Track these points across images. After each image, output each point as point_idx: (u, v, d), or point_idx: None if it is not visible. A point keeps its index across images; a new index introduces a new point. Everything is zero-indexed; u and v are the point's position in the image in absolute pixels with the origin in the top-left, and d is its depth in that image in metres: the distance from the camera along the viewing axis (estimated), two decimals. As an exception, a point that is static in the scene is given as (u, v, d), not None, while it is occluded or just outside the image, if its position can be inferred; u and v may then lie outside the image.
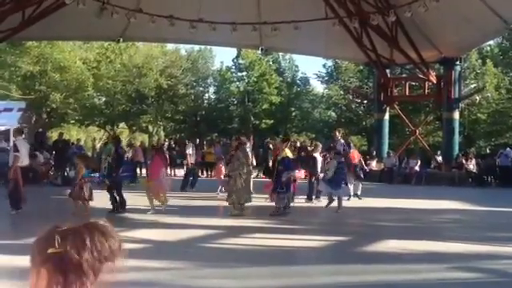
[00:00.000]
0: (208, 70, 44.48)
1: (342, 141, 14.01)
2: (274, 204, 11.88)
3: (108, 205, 11.48)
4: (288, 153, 12.01)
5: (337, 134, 14.56)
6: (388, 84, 25.39)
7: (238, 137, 14.06)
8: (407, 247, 8.24)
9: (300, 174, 13.43)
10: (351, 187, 14.03)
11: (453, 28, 20.86)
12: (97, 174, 12.81)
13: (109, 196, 11.59)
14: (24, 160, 11.25)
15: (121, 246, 1.45)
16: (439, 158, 25.25)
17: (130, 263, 5.71)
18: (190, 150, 18.17)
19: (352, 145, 15.09)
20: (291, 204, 12.15)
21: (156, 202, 11.64)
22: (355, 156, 14.58)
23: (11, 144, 24.14)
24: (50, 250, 1.30)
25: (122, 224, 9.95)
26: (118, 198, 11.57)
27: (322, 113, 43.53)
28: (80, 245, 1.32)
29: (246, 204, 11.58)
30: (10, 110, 31.75)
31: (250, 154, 12.52)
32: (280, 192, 11.56)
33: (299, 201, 13.69)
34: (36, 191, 13.02)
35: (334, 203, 12.38)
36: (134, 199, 12.46)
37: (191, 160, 18.00)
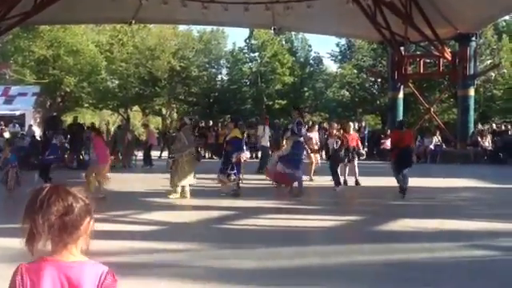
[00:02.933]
0: (220, 51, 44.34)
1: (298, 120, 13.07)
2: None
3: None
4: (237, 133, 11.88)
5: (295, 113, 13.68)
6: (402, 62, 25.10)
7: (180, 117, 13.67)
8: (422, 226, 8.23)
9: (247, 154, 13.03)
10: (346, 170, 13.62)
11: (468, 3, 20.52)
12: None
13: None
14: None
15: (78, 205, 1.77)
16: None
17: (149, 245, 5.85)
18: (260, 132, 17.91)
19: (350, 127, 13.96)
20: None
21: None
22: (352, 138, 13.68)
23: (26, 129, 24.43)
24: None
25: (138, 206, 10.08)
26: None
27: (336, 92, 43.28)
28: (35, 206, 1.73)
29: (190, 184, 11.27)
30: (25, 94, 32.02)
31: (192, 136, 12.21)
32: (230, 173, 11.43)
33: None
34: (52, 174, 13.14)
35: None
36: (152, 181, 12.53)
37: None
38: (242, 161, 11.65)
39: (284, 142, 12.85)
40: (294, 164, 11.69)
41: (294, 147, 11.87)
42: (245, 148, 12.14)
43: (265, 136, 17.35)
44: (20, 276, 1.75)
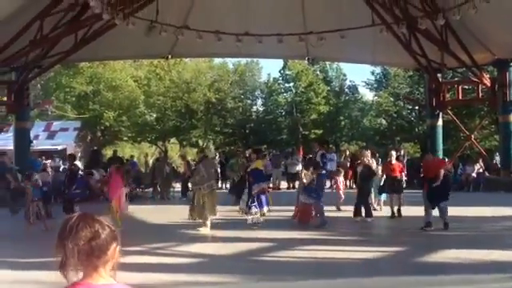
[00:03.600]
0: (255, 83, 44.75)
1: (321, 152, 12.88)
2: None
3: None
4: (259, 164, 11.73)
5: (316, 145, 13.43)
6: (440, 89, 24.76)
7: (202, 149, 13.46)
8: (467, 257, 7.95)
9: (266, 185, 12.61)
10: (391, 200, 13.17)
11: (505, 28, 20.17)
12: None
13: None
14: None
15: (105, 232, 1.95)
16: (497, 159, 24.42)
17: (187, 278, 5.78)
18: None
19: (393, 156, 13.52)
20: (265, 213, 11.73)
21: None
22: (395, 168, 13.29)
23: (67, 163, 24.90)
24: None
25: (175, 239, 10.09)
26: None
27: (372, 120, 42.93)
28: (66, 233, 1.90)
29: (212, 218, 11.05)
30: (66, 129, 32.87)
31: (213, 168, 12.01)
32: (251, 206, 11.26)
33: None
34: (93, 207, 13.32)
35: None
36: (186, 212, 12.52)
37: None
38: (265, 191, 11.51)
39: (303, 174, 12.58)
40: (317, 195, 11.56)
41: (318, 179, 11.74)
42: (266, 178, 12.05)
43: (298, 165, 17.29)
44: None
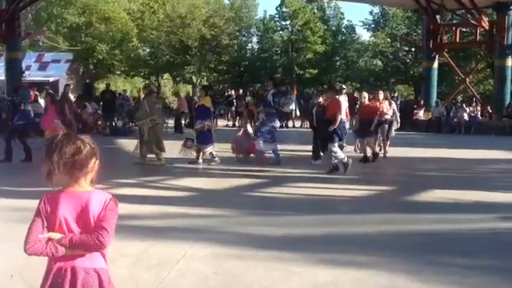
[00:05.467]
0: (251, 20, 43.93)
1: (273, 91, 11.57)
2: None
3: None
4: (206, 101, 11.57)
5: (269, 83, 12.22)
6: (438, 31, 24.50)
7: (147, 84, 13.23)
8: (455, 197, 8.10)
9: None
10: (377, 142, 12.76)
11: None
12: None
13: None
14: None
15: (86, 148, 2.26)
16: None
17: (178, 210, 5.88)
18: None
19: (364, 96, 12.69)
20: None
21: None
22: (369, 110, 12.39)
23: (60, 95, 24.76)
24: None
25: (166, 173, 10.19)
26: (22, 145, 11.25)
27: (368, 62, 42.60)
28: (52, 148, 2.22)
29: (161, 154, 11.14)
30: (58, 61, 32.44)
31: (158, 104, 11.90)
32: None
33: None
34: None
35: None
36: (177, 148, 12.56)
37: None
38: (206, 129, 11.25)
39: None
40: (271, 137, 11.32)
41: (268, 119, 11.33)
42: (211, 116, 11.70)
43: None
44: (43, 204, 2.27)
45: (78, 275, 2.25)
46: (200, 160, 11.31)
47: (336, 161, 10.18)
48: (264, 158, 11.43)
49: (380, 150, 13.07)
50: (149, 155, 11.21)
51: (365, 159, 12.03)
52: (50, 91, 14.35)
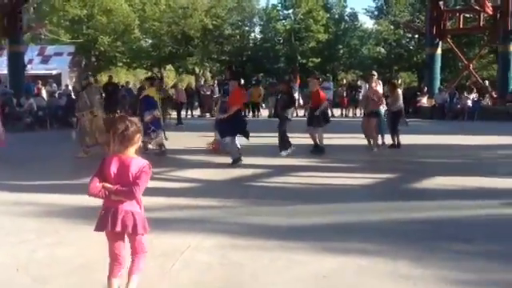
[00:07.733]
0: (253, 9, 43.76)
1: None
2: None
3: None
4: (151, 92, 11.49)
5: (227, 73, 11.97)
6: (441, 17, 24.36)
7: (86, 76, 13.12)
8: (459, 183, 8.09)
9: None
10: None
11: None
12: None
13: None
14: None
15: (133, 126, 3.34)
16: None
17: (182, 201, 5.89)
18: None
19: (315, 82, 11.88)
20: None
21: None
22: (315, 98, 11.70)
23: (63, 88, 24.85)
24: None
25: (171, 164, 10.20)
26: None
27: (371, 49, 42.41)
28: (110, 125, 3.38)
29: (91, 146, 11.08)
30: (61, 54, 32.44)
31: (97, 95, 11.85)
32: (148, 132, 10.83)
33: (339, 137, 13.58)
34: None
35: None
36: (184, 140, 12.61)
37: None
38: (155, 118, 11.15)
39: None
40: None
41: (222, 109, 11.00)
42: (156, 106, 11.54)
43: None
44: (102, 162, 3.36)
45: (118, 214, 3.31)
46: (151, 146, 11.18)
47: None
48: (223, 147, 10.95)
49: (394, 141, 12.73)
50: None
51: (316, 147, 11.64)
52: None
